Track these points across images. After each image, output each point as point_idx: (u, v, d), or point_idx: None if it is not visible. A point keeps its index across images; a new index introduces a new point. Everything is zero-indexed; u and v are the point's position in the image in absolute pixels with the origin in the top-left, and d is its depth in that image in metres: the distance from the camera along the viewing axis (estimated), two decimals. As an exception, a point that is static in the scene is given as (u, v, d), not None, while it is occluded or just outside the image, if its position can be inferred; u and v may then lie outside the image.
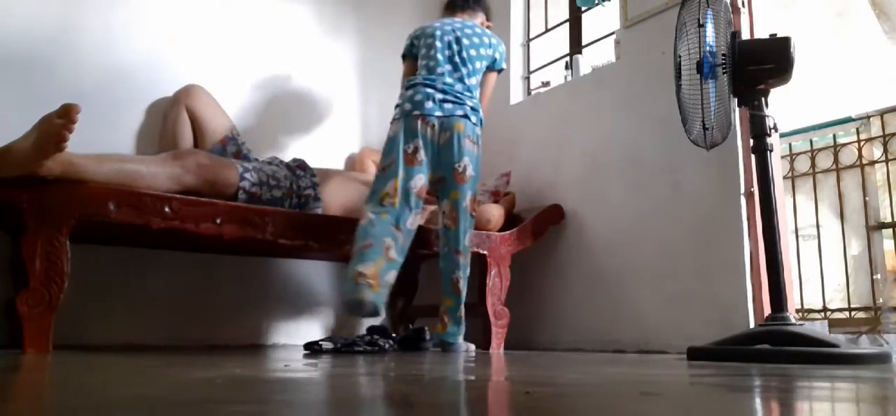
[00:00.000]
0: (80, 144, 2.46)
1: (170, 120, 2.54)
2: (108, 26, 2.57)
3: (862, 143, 3.77)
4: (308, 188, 2.46)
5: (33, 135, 1.80)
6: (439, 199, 2.39)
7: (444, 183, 2.34)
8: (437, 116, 2.31)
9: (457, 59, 2.43)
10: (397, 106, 2.39)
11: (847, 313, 3.66)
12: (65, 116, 1.76)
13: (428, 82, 2.37)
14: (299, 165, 2.53)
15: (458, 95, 2.36)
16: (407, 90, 2.39)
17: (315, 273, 2.94)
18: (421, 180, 2.29)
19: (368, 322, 2.91)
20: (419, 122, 2.31)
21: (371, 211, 2.23)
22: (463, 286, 2.34)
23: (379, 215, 2.22)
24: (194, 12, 2.78)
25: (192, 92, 2.57)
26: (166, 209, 2.04)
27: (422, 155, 2.29)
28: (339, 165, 3.06)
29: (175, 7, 2.73)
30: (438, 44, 2.46)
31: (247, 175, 2.30)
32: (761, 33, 2.34)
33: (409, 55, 2.55)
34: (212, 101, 2.61)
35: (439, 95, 2.34)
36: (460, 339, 2.34)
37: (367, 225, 2.20)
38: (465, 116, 2.34)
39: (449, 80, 2.39)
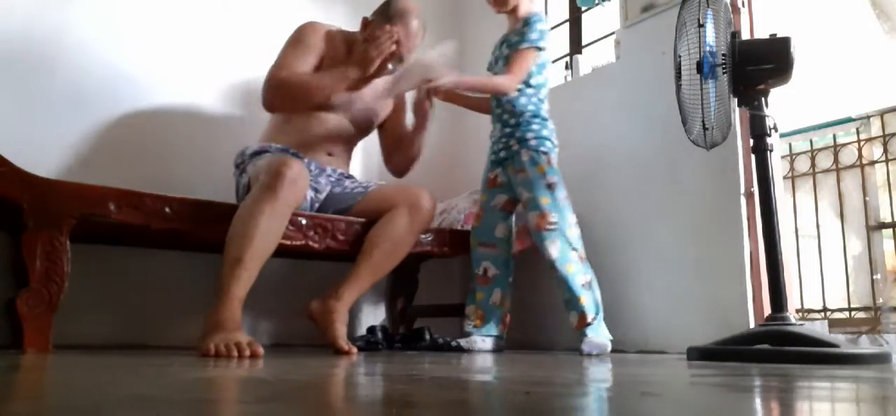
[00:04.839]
0: (82, 143, 2.48)
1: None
2: (109, 25, 2.57)
3: (862, 143, 3.76)
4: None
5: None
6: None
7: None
8: None
9: None
10: (549, 139, 2.38)
11: (847, 313, 3.66)
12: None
13: None
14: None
15: None
16: (552, 126, 2.41)
17: (316, 273, 2.94)
18: None
19: (368, 322, 2.91)
20: None
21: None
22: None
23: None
24: (194, 10, 2.78)
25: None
26: (166, 210, 2.04)
27: None
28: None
29: (175, 4, 2.73)
30: None
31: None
32: (761, 33, 2.34)
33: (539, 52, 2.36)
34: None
35: None
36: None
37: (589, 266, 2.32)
38: None
39: None
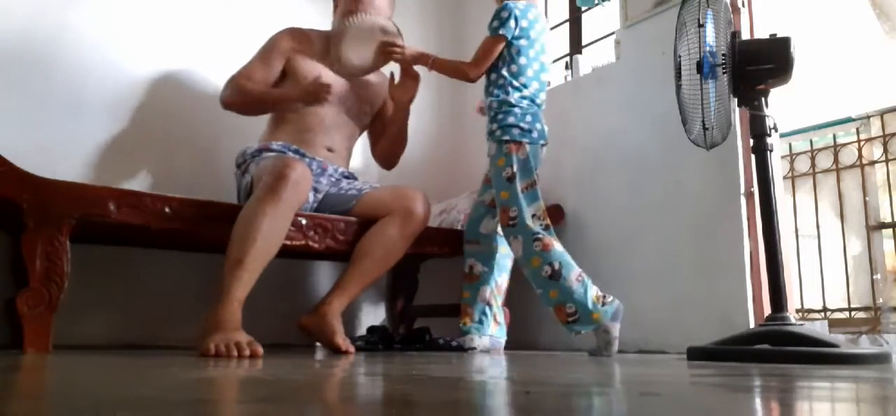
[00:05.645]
0: (82, 143, 2.48)
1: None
2: (109, 25, 2.57)
3: (862, 143, 3.77)
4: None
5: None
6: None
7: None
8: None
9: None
10: (516, 127, 2.23)
11: (847, 313, 3.66)
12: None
13: (540, 107, 2.32)
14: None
15: None
16: (526, 111, 2.26)
17: (316, 273, 2.94)
18: None
19: (368, 322, 2.91)
20: (543, 150, 2.32)
21: (552, 238, 2.21)
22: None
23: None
24: (194, 9, 2.78)
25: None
26: (166, 210, 2.04)
27: None
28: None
29: (176, 3, 2.73)
30: (539, 45, 2.33)
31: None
32: (761, 33, 2.34)
33: (508, 40, 2.28)
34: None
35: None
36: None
37: (562, 251, 2.19)
38: None
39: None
